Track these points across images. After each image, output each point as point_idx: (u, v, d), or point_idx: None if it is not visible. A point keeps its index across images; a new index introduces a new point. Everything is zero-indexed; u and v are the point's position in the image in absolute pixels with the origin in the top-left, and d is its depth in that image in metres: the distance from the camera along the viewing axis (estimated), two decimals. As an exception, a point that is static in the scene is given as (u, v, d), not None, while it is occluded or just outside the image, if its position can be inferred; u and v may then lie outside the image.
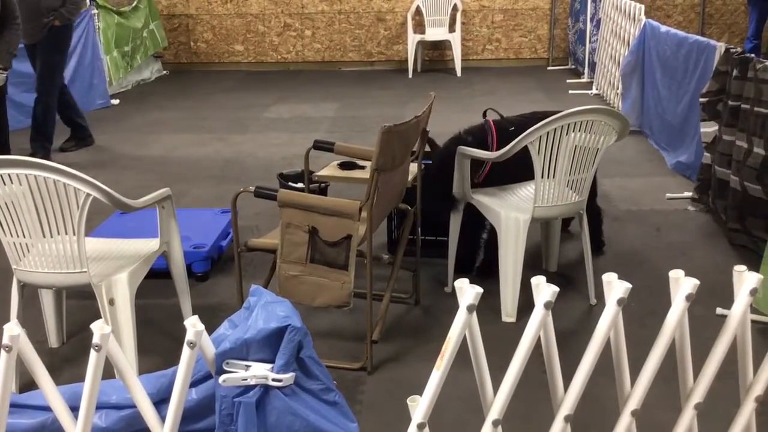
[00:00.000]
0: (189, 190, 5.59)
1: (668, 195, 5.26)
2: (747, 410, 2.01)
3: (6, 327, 1.70)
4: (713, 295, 3.65)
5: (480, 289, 1.71)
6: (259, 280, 3.45)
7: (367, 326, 3.24)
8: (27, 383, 3.04)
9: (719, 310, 3.60)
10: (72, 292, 3.68)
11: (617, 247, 4.45)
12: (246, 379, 1.77)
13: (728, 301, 1.98)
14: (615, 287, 1.79)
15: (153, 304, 3.79)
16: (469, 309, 1.70)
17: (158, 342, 3.51)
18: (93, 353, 1.68)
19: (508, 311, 3.63)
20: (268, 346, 1.77)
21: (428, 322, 3.69)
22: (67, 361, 3.37)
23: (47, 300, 3.43)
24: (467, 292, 1.69)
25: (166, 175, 5.96)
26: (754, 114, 4.13)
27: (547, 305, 1.74)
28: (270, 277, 3.46)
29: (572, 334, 3.48)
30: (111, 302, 3.03)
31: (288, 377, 1.78)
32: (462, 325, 1.71)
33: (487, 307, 3.62)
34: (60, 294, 3.46)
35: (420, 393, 1.76)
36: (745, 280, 1.86)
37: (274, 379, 1.77)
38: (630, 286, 1.79)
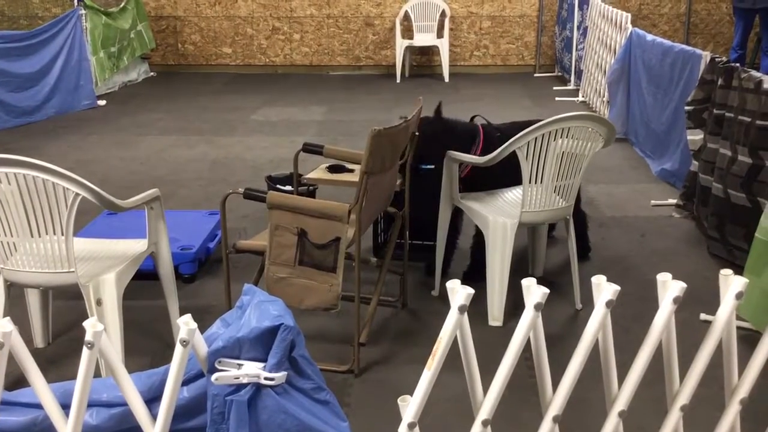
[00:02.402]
0: (176, 192, 5.58)
1: (653, 202, 5.30)
2: (732, 412, 2.03)
3: (-3, 324, 1.70)
4: (697, 302, 3.68)
5: (471, 290, 1.72)
6: (246, 281, 3.44)
7: (354, 329, 3.25)
8: (12, 383, 3.02)
9: (703, 316, 3.64)
10: (58, 293, 3.66)
11: (602, 252, 4.48)
12: (238, 378, 1.77)
13: (712, 308, 2.01)
14: (604, 289, 1.81)
15: (140, 305, 3.78)
16: (461, 309, 1.71)
17: (145, 343, 3.50)
18: (85, 350, 1.68)
19: (495, 315, 3.65)
20: (260, 344, 1.77)
21: (415, 325, 3.70)
22: (52, 362, 3.35)
23: (33, 300, 3.42)
24: (459, 292, 1.71)
25: (153, 177, 5.94)
26: (738, 122, 4.18)
27: (537, 306, 1.76)
28: (257, 279, 3.46)
29: (558, 339, 3.50)
30: (98, 302, 3.02)
31: (280, 376, 1.79)
32: (453, 325, 1.72)
33: (474, 312, 3.62)
34: (46, 294, 3.44)
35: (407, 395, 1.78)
36: (731, 283, 1.89)
37: (266, 378, 1.77)
38: (618, 288, 1.81)
